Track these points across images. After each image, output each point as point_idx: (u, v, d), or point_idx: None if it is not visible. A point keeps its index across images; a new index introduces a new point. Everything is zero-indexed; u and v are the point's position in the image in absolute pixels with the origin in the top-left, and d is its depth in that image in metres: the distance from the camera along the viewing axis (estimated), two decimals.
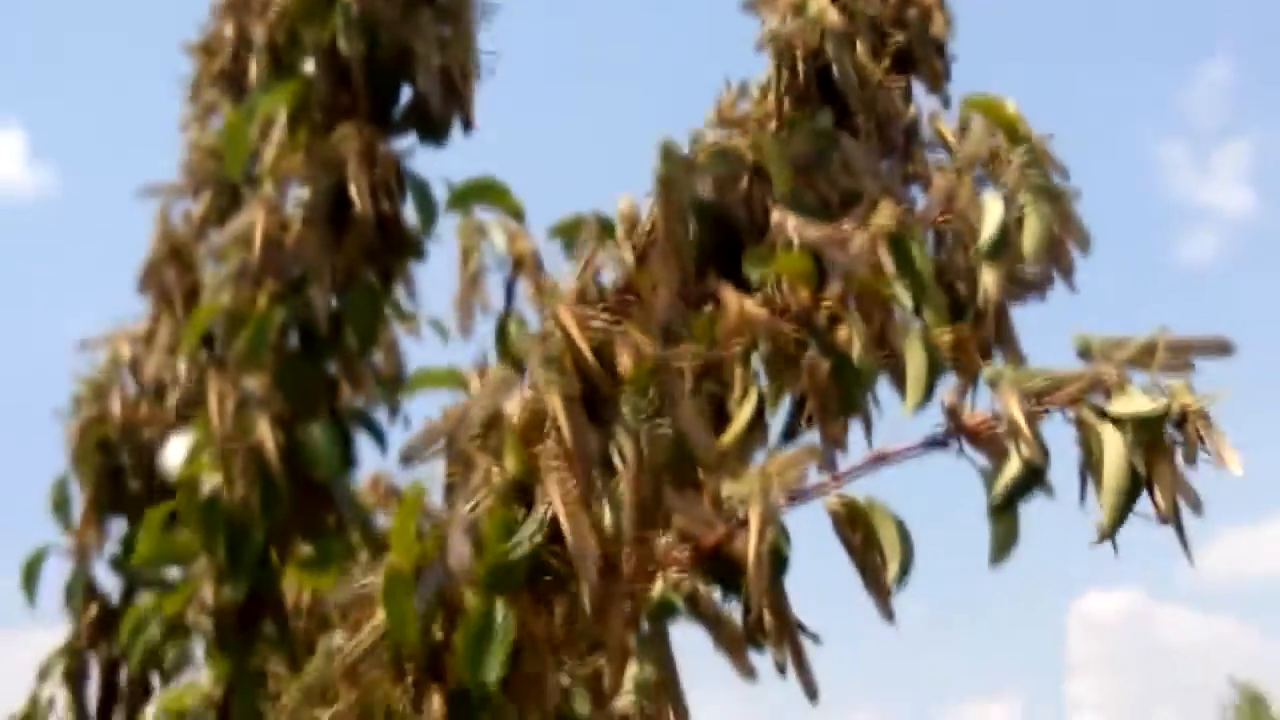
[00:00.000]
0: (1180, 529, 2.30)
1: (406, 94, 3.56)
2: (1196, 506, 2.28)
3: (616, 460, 2.32)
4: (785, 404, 2.75)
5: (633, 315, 2.44)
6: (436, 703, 2.44)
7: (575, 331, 2.35)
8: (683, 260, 2.70)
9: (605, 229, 2.70)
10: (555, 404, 2.29)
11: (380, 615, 2.42)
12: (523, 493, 2.35)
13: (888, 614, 2.49)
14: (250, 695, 3.36)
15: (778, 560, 2.44)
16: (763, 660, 2.60)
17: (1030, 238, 2.71)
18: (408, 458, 2.42)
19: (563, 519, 2.27)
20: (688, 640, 2.60)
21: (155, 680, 3.75)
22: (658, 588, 2.51)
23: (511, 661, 2.38)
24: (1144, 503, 2.31)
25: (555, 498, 2.27)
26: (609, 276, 2.62)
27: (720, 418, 2.70)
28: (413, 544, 2.39)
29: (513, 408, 2.36)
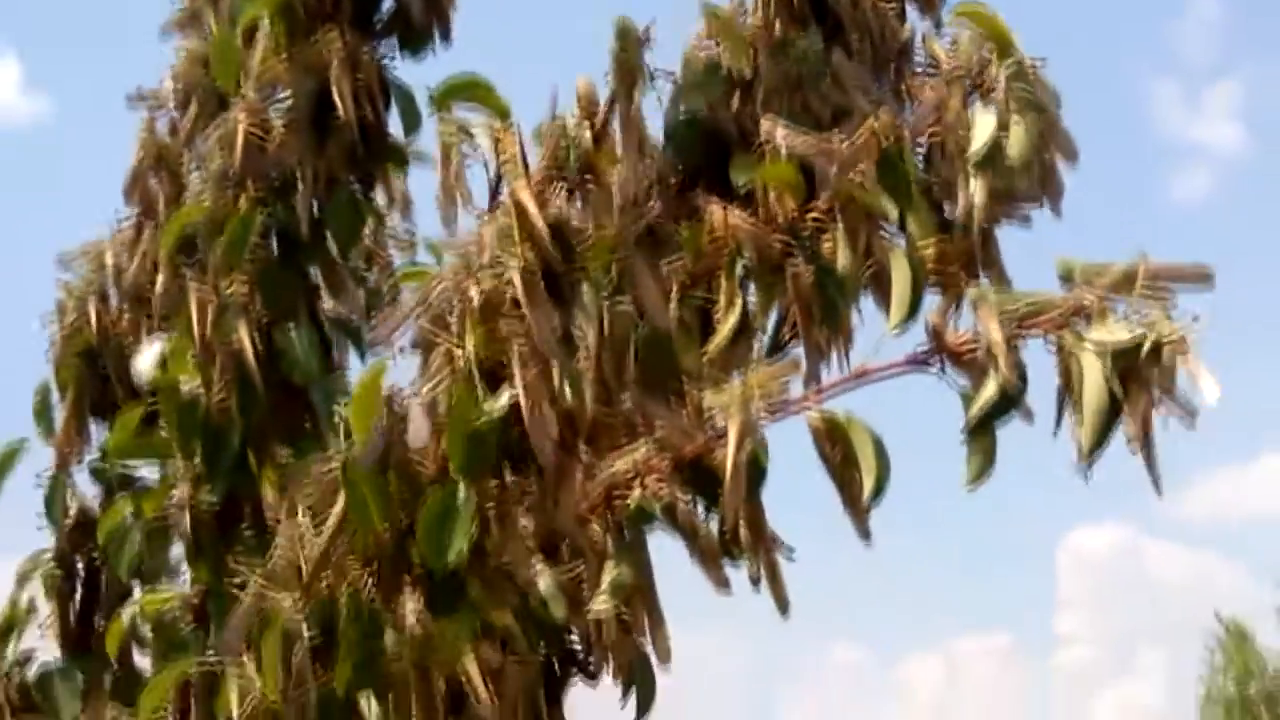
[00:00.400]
0: (1151, 458, 2.29)
1: (388, 2, 3.51)
2: (1192, 416, 2.26)
3: (579, 338, 2.31)
4: (773, 318, 2.74)
5: (592, 196, 2.42)
6: (404, 588, 2.43)
7: (532, 209, 2.33)
8: (641, 137, 2.67)
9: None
10: (514, 280, 2.27)
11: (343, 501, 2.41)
12: (485, 373, 2.33)
13: (864, 532, 2.48)
14: (227, 599, 3.35)
15: (755, 472, 2.42)
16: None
17: (1017, 148, 2.68)
18: (374, 344, 2.40)
19: (520, 394, 2.25)
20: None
21: (136, 586, 3.72)
22: (636, 496, 2.49)
23: (477, 545, 2.37)
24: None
25: (515, 373, 2.25)
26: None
27: (708, 331, 2.69)
28: (370, 427, 2.37)
29: (475, 289, 2.34)
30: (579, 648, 2.81)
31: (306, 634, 2.49)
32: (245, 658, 2.58)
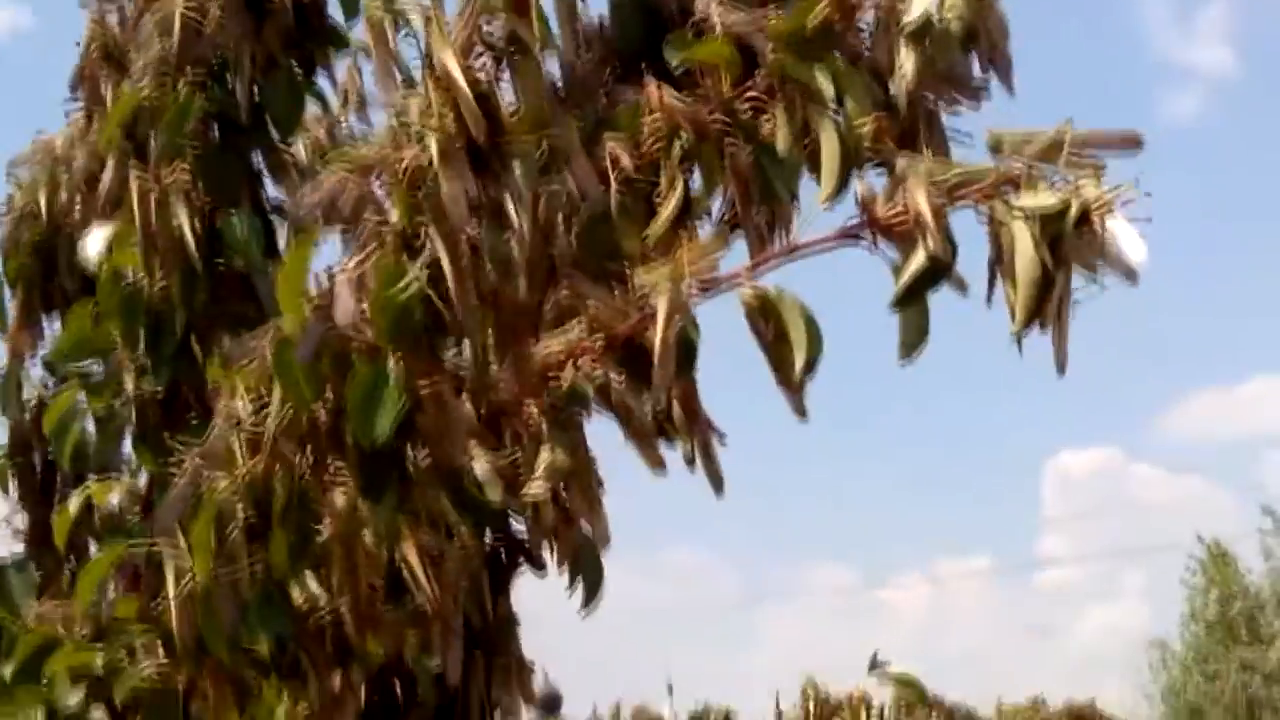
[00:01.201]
0: (1061, 335, 2.28)
1: None
2: (1132, 277, 2.24)
3: (510, 213, 2.29)
4: (717, 201, 2.71)
5: (519, 67, 2.39)
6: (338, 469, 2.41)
7: (455, 74, 2.30)
8: (572, 8, 2.62)
9: None
10: (432, 150, 2.25)
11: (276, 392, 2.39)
12: (411, 247, 2.31)
13: (799, 409, 2.45)
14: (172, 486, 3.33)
15: (686, 350, 2.41)
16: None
17: (953, 21, 2.63)
18: (299, 219, 2.37)
19: (446, 265, 2.23)
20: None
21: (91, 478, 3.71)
22: (568, 376, 2.47)
23: (410, 425, 2.35)
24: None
25: (438, 244, 2.23)
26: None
27: (652, 216, 2.65)
28: (299, 303, 2.35)
29: (401, 161, 2.31)
30: (525, 537, 2.81)
31: (241, 514, 2.46)
32: (182, 540, 2.55)
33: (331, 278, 2.38)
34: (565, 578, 2.78)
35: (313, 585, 2.58)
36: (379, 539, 2.49)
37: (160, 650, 2.71)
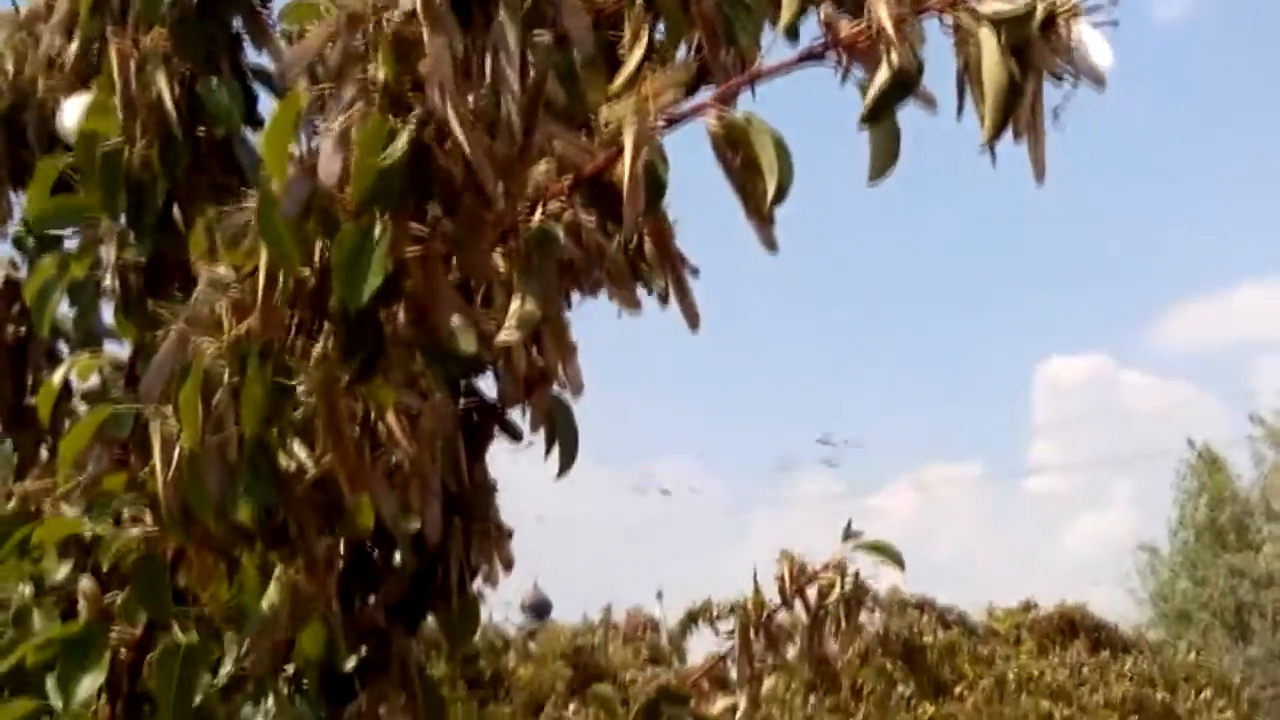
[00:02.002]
0: (1037, 144, 2.24)
1: None
2: (1099, 82, 2.20)
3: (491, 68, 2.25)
4: (681, 50, 2.68)
5: None
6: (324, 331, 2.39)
7: None
8: None
9: None
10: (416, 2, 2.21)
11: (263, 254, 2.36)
12: (397, 103, 2.27)
13: (769, 241, 2.42)
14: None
15: (655, 183, 2.38)
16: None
17: None
18: (281, 76, 2.33)
19: (452, 120, 2.19)
20: None
21: (64, 352, 3.69)
22: (537, 218, 2.45)
23: (396, 287, 2.32)
24: None
25: (434, 99, 2.19)
26: None
27: (615, 70, 2.62)
28: (284, 164, 2.32)
29: (388, 14, 2.28)
30: (498, 402, 2.79)
31: (227, 379, 2.44)
32: (168, 405, 2.53)
33: (316, 136, 2.34)
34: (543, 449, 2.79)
35: (300, 453, 2.56)
36: (360, 396, 2.47)
37: (148, 518, 2.70)
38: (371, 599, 2.85)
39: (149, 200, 3.23)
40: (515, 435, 2.85)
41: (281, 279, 2.42)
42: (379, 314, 2.38)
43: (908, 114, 2.33)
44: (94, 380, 3.48)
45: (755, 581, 4.21)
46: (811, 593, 4.16)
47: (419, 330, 2.44)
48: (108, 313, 3.50)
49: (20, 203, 3.78)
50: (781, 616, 4.18)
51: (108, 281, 3.37)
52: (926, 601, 14.12)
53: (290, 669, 2.88)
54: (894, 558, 4.09)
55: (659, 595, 19.62)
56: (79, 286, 3.39)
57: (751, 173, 2.36)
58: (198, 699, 2.66)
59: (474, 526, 2.82)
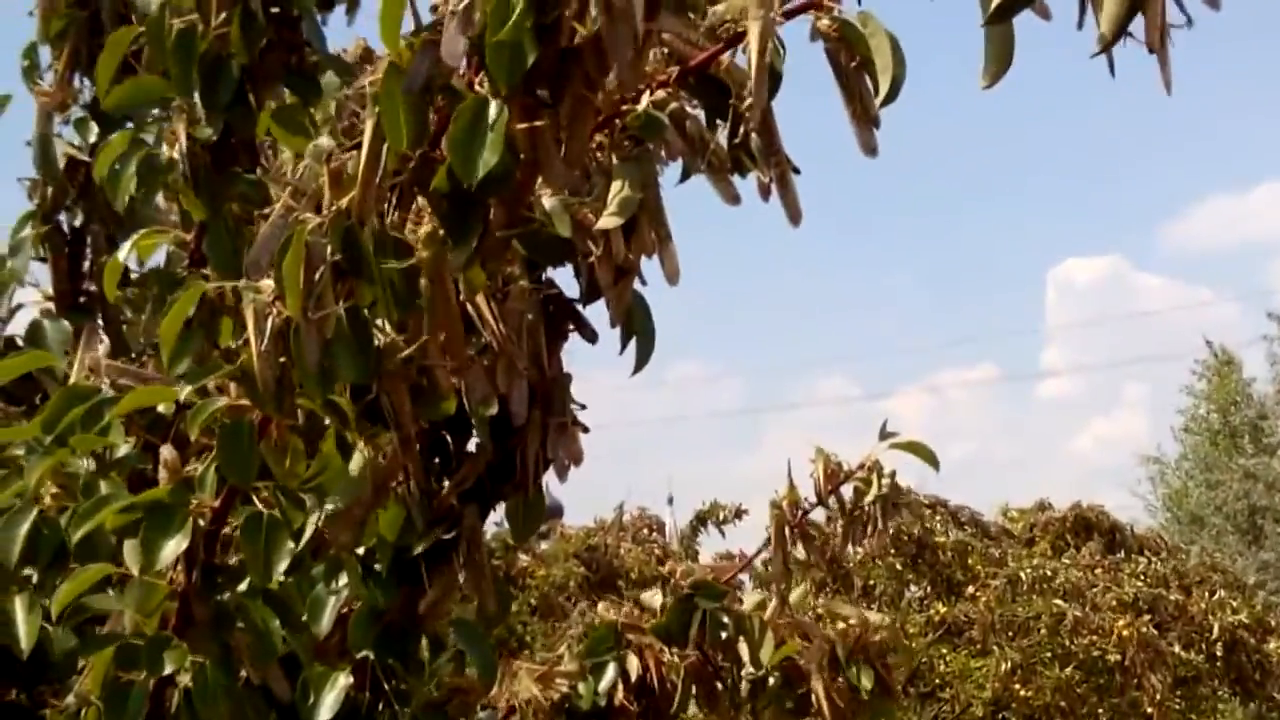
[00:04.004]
0: (1164, 56, 2.27)
1: None
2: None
3: None
4: None
5: None
6: (425, 212, 2.44)
7: None
8: None
9: None
10: None
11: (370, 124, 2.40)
12: None
13: (869, 145, 2.48)
14: (224, 236, 3.37)
15: (772, 77, 2.42)
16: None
17: None
18: None
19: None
20: None
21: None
22: (643, 104, 2.50)
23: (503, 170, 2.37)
24: None
25: None
26: None
27: None
28: (397, 37, 2.36)
29: None
30: (576, 300, 2.84)
31: (329, 253, 2.48)
32: (260, 280, 2.57)
33: (437, 9, 2.38)
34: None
35: (388, 329, 2.61)
36: (459, 277, 2.52)
37: (232, 391, 2.73)
38: (445, 484, 2.91)
39: (224, 78, 3.27)
40: (590, 334, 2.90)
41: (384, 156, 2.46)
42: (486, 196, 2.43)
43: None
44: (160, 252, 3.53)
45: (790, 478, 4.30)
46: (845, 492, 4.25)
47: (515, 214, 2.50)
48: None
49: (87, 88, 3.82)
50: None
51: (177, 158, 3.41)
52: (939, 501, 14.13)
53: (360, 550, 2.95)
54: (928, 457, 4.18)
55: (669, 500, 19.76)
56: (144, 170, 3.43)
57: (859, 74, 2.42)
58: (282, 566, 2.71)
59: (550, 420, 2.87)
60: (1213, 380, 30.32)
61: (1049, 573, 12.80)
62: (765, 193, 2.53)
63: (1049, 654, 12.26)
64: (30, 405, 3.69)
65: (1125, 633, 12.09)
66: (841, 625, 4.14)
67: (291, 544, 2.74)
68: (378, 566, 2.94)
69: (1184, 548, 17.41)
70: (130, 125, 3.63)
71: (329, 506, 2.78)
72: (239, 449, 2.68)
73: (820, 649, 4.07)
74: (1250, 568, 24.44)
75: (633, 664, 3.83)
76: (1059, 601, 12.50)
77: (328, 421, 2.74)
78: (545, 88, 2.36)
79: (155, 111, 3.57)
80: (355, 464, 2.77)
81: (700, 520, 13.62)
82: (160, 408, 3.24)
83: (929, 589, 13.42)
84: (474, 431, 2.88)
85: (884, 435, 4.24)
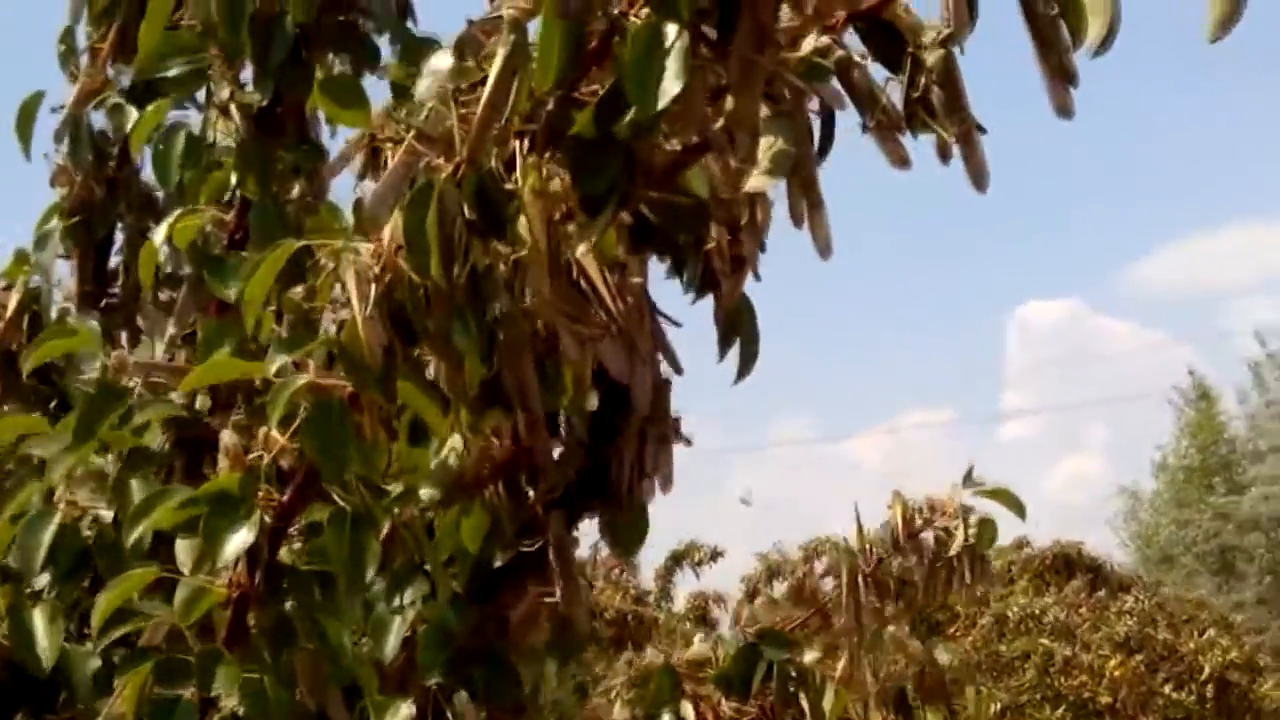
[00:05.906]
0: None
1: None
2: None
3: None
4: None
5: None
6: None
7: None
8: None
9: None
10: None
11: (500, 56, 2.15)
12: None
13: (1063, 105, 2.20)
14: (272, 210, 3.12)
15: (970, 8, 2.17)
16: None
17: None
18: None
19: None
20: None
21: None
22: (807, 46, 2.23)
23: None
24: None
25: None
26: None
27: None
28: None
29: None
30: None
31: (460, 207, 2.20)
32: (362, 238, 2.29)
33: None
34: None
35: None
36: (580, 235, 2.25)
37: (310, 368, 2.43)
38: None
39: (279, 36, 3.02)
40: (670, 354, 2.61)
41: (513, 94, 2.19)
42: (648, 137, 2.16)
43: None
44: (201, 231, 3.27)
45: (858, 522, 4.04)
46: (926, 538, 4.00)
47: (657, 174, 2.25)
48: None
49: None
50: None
51: (221, 126, 3.17)
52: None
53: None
54: (1015, 506, 3.95)
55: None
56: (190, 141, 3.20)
57: (1055, 25, 2.16)
58: (371, 570, 2.43)
59: (649, 430, 2.59)
60: (1193, 414, 30.41)
61: (1037, 611, 12.66)
62: (945, 155, 2.26)
63: (1039, 695, 12.09)
64: (44, 405, 3.43)
65: (1118, 673, 11.97)
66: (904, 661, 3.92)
67: (378, 545, 2.46)
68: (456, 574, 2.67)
69: (1161, 584, 17.31)
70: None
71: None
72: (330, 432, 2.36)
73: (887, 691, 3.83)
74: (1225, 608, 24.44)
75: (689, 714, 3.55)
76: (1045, 640, 12.36)
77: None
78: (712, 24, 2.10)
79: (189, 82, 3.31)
80: (450, 452, 2.50)
81: (675, 560, 13.44)
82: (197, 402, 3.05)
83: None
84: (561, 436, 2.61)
85: (968, 480, 4.01)
